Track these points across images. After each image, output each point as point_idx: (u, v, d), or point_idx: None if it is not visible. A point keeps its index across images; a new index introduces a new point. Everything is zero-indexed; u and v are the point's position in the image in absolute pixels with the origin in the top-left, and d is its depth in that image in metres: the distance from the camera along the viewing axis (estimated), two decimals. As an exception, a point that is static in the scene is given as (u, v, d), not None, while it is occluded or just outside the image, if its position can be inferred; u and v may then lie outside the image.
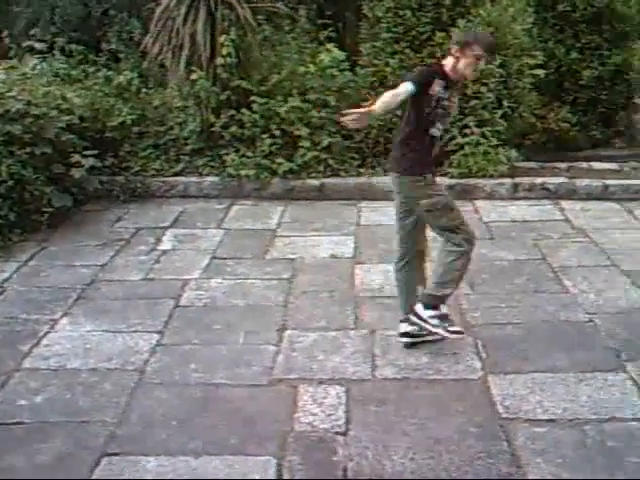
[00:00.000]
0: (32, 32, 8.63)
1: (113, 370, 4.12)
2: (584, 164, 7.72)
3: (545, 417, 3.59)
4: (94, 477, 3.24)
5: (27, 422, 3.65)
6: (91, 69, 8.24)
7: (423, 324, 4.17)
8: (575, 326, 4.54)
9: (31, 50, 7.94)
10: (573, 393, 3.78)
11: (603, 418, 3.57)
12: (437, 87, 4.01)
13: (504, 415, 3.63)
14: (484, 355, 4.19)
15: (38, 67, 7.67)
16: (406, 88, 3.89)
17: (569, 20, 8.51)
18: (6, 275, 5.43)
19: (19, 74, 7.28)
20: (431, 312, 4.14)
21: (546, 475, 3.20)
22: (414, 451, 3.38)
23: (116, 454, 3.40)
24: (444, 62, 4.14)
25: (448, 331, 4.16)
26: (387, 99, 3.90)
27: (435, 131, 4.12)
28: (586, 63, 8.50)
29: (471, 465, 3.28)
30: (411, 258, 4.35)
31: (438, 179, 4.41)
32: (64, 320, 4.73)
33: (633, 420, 3.57)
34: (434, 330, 4.16)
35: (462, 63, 4.06)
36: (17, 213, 6.12)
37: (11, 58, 7.94)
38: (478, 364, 4.11)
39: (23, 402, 3.81)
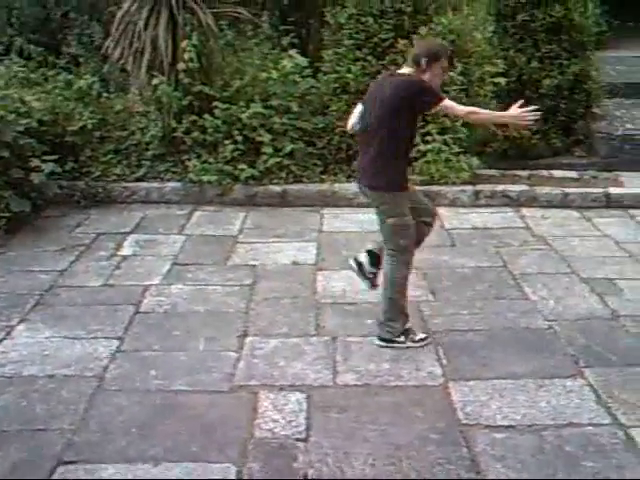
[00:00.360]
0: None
1: (71, 377, 4.06)
2: (544, 172, 7.81)
3: (505, 423, 3.61)
4: (50, 486, 3.20)
5: (-19, 431, 3.58)
6: (51, 72, 8.12)
7: (392, 344, 4.36)
8: (535, 333, 4.58)
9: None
10: (532, 399, 3.82)
11: (561, 424, 3.61)
12: None
13: (464, 421, 3.64)
14: (445, 361, 4.21)
15: (-6, 70, 7.56)
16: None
17: (529, 29, 8.60)
18: (-39, 281, 5.34)
19: (-25, 77, 7.17)
20: None
21: (505, 480, 3.22)
22: (374, 457, 3.38)
23: (73, 462, 3.35)
24: (404, 72, 4.29)
25: (416, 342, 4.35)
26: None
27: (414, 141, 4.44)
28: (546, 72, 8.59)
29: (431, 471, 3.29)
30: None
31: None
32: (21, 326, 4.65)
33: (590, 425, 3.61)
34: (404, 346, 4.33)
35: (430, 75, 4.18)
36: (-26, 218, 6.03)
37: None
38: (439, 370, 4.12)
39: (-23, 410, 3.75)
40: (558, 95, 8.61)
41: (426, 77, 4.18)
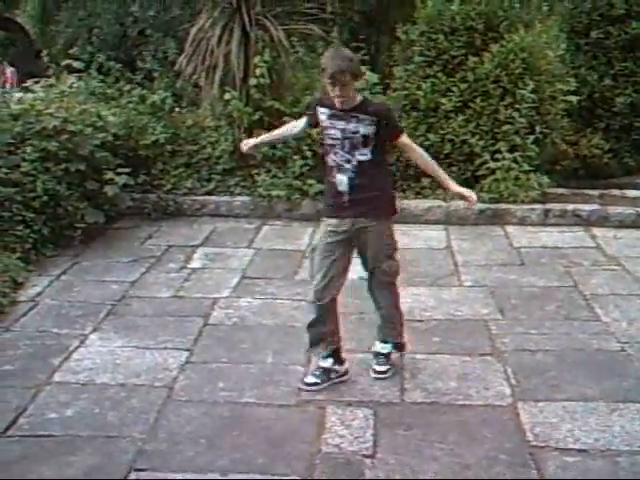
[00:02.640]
0: (70, 51, 8.77)
1: (142, 386, 4.14)
2: (617, 191, 7.66)
3: (576, 447, 3.53)
4: (122, 493, 3.26)
5: (57, 435, 3.67)
6: (126, 88, 8.36)
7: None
8: (607, 355, 4.48)
9: (69, 68, 8.06)
10: (605, 423, 3.73)
11: (636, 450, 3.51)
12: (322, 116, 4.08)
13: (534, 443, 3.58)
14: (514, 381, 4.15)
15: (75, 85, 7.78)
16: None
17: (602, 47, 8.50)
18: (39, 289, 5.49)
19: (57, 92, 7.39)
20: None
21: (577, 505, 3.16)
22: (442, 476, 3.34)
23: (144, 469, 3.40)
24: None
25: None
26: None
27: (330, 160, 4.09)
28: (619, 90, 8.47)
29: (500, 492, 3.24)
30: None
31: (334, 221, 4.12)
32: (94, 335, 4.77)
33: (666, 452, 3.51)
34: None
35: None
36: (51, 228, 6.21)
37: (50, 76, 8.06)
38: (507, 390, 4.07)
39: (53, 415, 3.84)
40: (632, 113, 8.48)
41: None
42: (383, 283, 4.30)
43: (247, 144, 4.56)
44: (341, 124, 3.99)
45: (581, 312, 5.09)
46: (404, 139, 4.11)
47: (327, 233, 4.11)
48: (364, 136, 3.97)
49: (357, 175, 4.01)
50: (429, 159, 4.20)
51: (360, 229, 4.06)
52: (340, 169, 4.03)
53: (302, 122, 4.35)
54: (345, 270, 4.16)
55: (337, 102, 3.96)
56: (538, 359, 4.43)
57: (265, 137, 4.67)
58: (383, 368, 4.26)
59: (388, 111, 4.23)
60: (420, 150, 4.22)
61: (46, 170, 6.30)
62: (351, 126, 3.97)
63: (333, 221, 4.09)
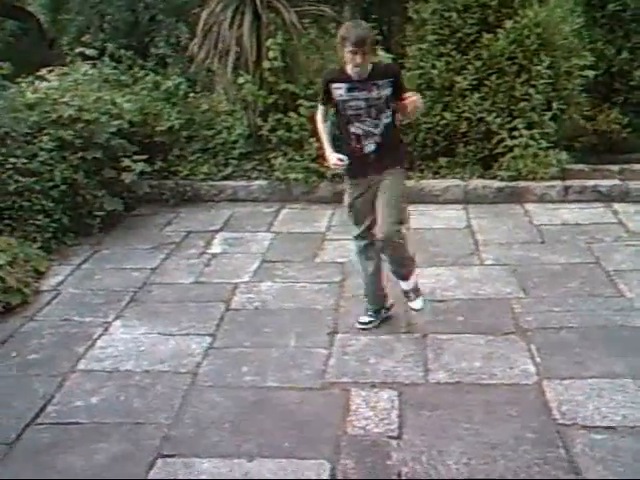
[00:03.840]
0: (83, 39, 8.76)
1: (166, 372, 4.15)
2: (637, 166, 7.56)
3: (604, 424, 3.52)
4: (150, 477, 3.27)
5: (83, 422, 3.70)
6: (140, 74, 8.33)
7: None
8: (632, 331, 4.45)
9: (82, 56, 8.04)
10: (632, 400, 3.70)
11: (664, 426, 3.50)
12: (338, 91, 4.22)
13: (560, 421, 3.57)
14: (538, 359, 4.14)
15: (89, 73, 7.77)
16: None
17: (619, 20, 8.38)
18: (60, 278, 5.52)
19: (71, 80, 7.38)
20: None
21: (606, 483, 3.15)
22: (469, 456, 3.34)
23: (171, 455, 3.43)
24: None
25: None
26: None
27: (354, 130, 4.29)
28: (637, 63, 8.35)
29: (528, 472, 3.23)
30: None
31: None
32: (117, 322, 4.79)
33: (695, 428, 3.49)
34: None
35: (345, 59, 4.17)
36: (70, 217, 6.23)
37: (64, 65, 8.06)
38: (532, 369, 4.05)
39: (79, 403, 3.87)
40: (651, 87, 8.37)
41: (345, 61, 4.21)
42: (390, 247, 4.44)
43: (340, 159, 4.31)
44: (363, 94, 4.20)
45: (604, 288, 5.06)
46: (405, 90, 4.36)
47: (355, 189, 4.43)
48: (386, 99, 4.22)
49: (383, 137, 4.28)
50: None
51: (381, 179, 4.35)
52: (368, 135, 4.27)
53: (323, 109, 4.43)
54: (373, 222, 4.43)
55: (355, 72, 4.15)
56: (562, 336, 4.40)
57: (326, 144, 4.43)
58: (419, 304, 4.59)
59: (398, 69, 4.56)
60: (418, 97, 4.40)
61: (63, 159, 6.31)
62: (374, 93, 4.20)
63: (358, 180, 4.40)
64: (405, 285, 4.59)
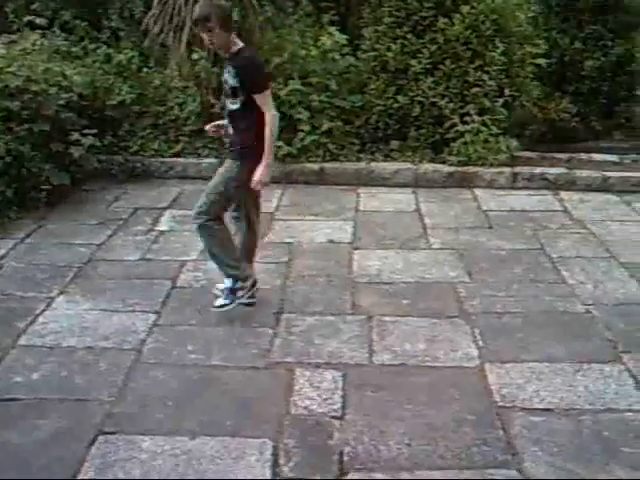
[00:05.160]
0: (32, 7, 8.55)
1: (110, 349, 4.11)
2: (584, 155, 7.70)
3: (541, 406, 3.59)
4: (89, 456, 3.24)
5: (23, 399, 3.65)
6: (91, 46, 8.18)
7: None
8: (572, 317, 4.54)
9: (31, 25, 7.86)
10: (570, 383, 3.79)
11: (599, 409, 3.58)
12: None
13: (500, 403, 3.63)
14: (481, 343, 4.20)
15: (38, 43, 7.59)
16: None
17: (573, 9, 8.49)
18: (3, 252, 5.41)
19: (19, 49, 7.21)
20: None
21: (541, 464, 3.20)
22: (410, 437, 3.38)
23: (112, 433, 3.39)
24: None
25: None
26: None
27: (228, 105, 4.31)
28: (589, 53, 8.48)
29: (467, 452, 3.28)
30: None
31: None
32: (61, 298, 4.72)
33: (629, 411, 3.57)
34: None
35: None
36: (15, 190, 6.10)
37: (11, 33, 7.86)
38: (475, 352, 4.11)
39: (19, 379, 3.81)
40: (600, 77, 8.52)
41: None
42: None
43: (212, 126, 4.62)
44: (224, 73, 4.25)
45: (548, 275, 5.14)
46: (261, 98, 4.16)
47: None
48: (232, 87, 4.18)
49: (231, 122, 4.32)
50: (270, 129, 4.19)
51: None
52: (225, 115, 4.39)
53: None
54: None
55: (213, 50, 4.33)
56: (505, 321, 4.47)
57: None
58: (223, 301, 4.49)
59: (250, 65, 4.24)
60: (269, 118, 4.18)
61: (9, 130, 6.17)
62: (225, 76, 4.21)
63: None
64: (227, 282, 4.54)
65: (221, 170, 4.43)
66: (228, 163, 4.40)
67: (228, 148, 4.49)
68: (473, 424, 3.47)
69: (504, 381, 3.81)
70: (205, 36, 4.11)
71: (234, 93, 4.18)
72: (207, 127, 4.65)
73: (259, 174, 4.22)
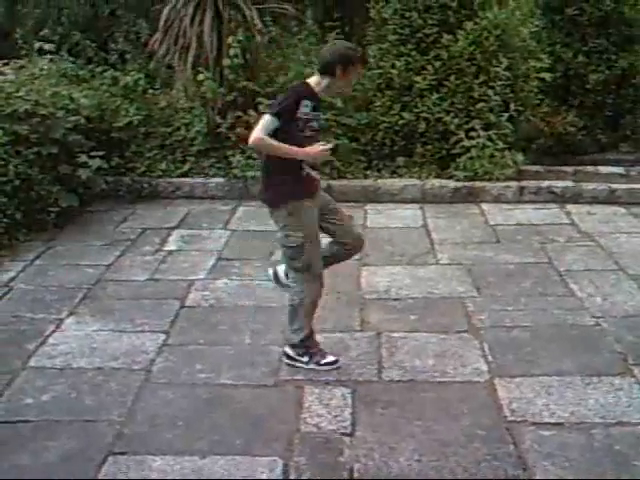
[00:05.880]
0: (41, 33, 8.65)
1: (119, 369, 4.12)
2: (590, 168, 7.71)
3: (552, 420, 3.58)
4: (100, 476, 3.24)
5: (33, 420, 3.65)
6: (98, 69, 8.26)
7: (294, 363, 4.13)
8: (582, 330, 4.53)
9: (40, 50, 7.94)
10: (580, 397, 3.77)
11: (610, 422, 3.56)
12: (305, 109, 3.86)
13: (510, 418, 3.61)
14: (490, 358, 4.18)
15: (46, 67, 7.67)
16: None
17: (577, 24, 8.52)
18: (12, 274, 5.44)
19: (28, 74, 7.29)
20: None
21: (553, 478, 3.18)
22: (420, 453, 3.37)
23: (122, 453, 3.39)
24: (311, 81, 3.96)
25: (321, 365, 4.09)
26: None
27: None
28: (593, 67, 8.51)
29: (477, 467, 3.26)
30: None
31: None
32: (70, 319, 4.73)
33: (640, 424, 3.56)
34: (307, 367, 4.09)
35: (344, 81, 3.94)
36: (24, 213, 6.14)
37: (20, 58, 7.95)
38: (484, 367, 4.10)
39: (29, 400, 3.81)
40: (605, 90, 8.55)
41: (340, 83, 3.93)
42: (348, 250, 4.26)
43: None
44: (319, 114, 3.98)
45: (556, 288, 5.13)
46: None
47: (311, 211, 3.98)
48: None
49: None
50: None
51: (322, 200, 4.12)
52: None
53: (275, 124, 3.80)
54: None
55: (345, 91, 4.18)
56: (514, 335, 4.46)
57: (294, 148, 3.92)
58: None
59: None
60: None
61: (17, 154, 6.22)
62: (320, 114, 4.02)
63: (312, 199, 4.00)
64: (290, 350, 4.18)
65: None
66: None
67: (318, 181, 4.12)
68: (483, 439, 3.46)
69: (514, 395, 3.80)
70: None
71: None
72: (324, 149, 4.01)
73: None
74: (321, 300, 4.87)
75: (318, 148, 3.92)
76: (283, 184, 3.96)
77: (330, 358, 4.12)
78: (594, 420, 3.57)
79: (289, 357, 4.15)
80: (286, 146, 3.82)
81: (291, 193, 3.94)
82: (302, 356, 4.11)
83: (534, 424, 3.56)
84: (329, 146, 4.01)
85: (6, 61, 7.55)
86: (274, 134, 3.80)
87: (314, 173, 4.02)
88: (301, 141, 3.87)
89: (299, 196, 3.94)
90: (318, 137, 4.00)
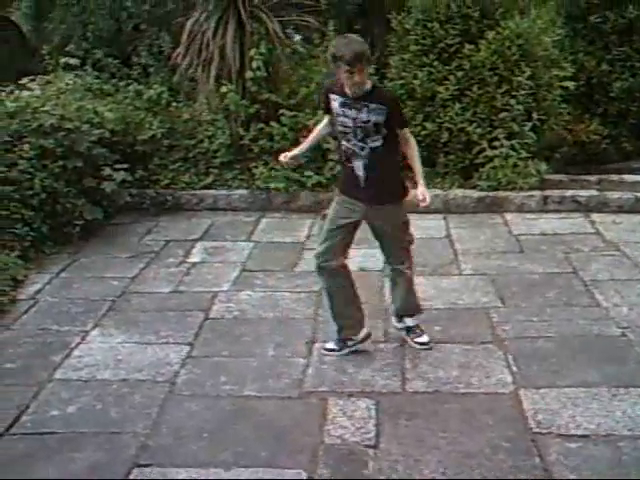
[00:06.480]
0: (67, 48, 8.75)
1: (144, 381, 4.14)
2: (615, 176, 7.63)
3: (578, 432, 3.55)
4: (125, 488, 3.27)
5: (59, 432, 3.68)
6: (122, 83, 8.34)
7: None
8: (608, 340, 4.49)
9: (66, 66, 8.03)
10: (607, 408, 3.74)
11: (638, 434, 3.52)
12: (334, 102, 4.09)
13: (536, 430, 3.59)
14: (515, 369, 4.16)
15: (71, 82, 7.75)
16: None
17: (600, 31, 8.46)
18: (38, 287, 5.49)
19: (53, 89, 7.37)
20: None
21: (580, 491, 3.17)
22: (445, 465, 3.36)
23: (147, 465, 3.41)
24: None
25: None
26: None
27: (344, 146, 4.15)
28: (616, 75, 8.43)
29: (503, 480, 3.25)
30: None
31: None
32: (95, 331, 4.77)
33: (669, 436, 3.51)
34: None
35: (342, 77, 3.98)
36: (49, 226, 6.20)
37: (46, 74, 8.05)
38: (509, 378, 4.07)
39: (55, 412, 3.85)
40: (629, 98, 8.46)
41: (343, 78, 3.98)
42: (399, 273, 4.42)
43: (286, 156, 4.47)
44: (352, 113, 4.03)
45: (581, 298, 5.09)
46: (406, 131, 4.18)
47: (341, 206, 4.26)
48: (376, 125, 4.02)
49: (370, 162, 4.10)
50: (418, 155, 4.27)
51: (375, 212, 4.20)
52: (355, 155, 4.11)
53: (325, 117, 4.35)
54: (346, 246, 4.32)
55: (350, 90, 3.99)
56: (539, 346, 4.43)
57: (302, 146, 4.57)
58: (425, 339, 4.44)
59: (396, 100, 4.36)
60: (414, 145, 4.25)
61: (43, 167, 6.28)
62: (363, 115, 4.01)
63: (348, 199, 4.24)
64: (410, 321, 4.48)
65: (391, 221, 4.27)
66: (392, 209, 4.24)
67: (370, 193, 4.17)
68: (508, 451, 3.44)
69: (539, 407, 3.77)
70: (354, 76, 3.90)
71: (377, 130, 4.02)
72: (282, 158, 4.47)
73: (427, 195, 4.23)
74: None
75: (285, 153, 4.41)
76: (401, 180, 4.30)
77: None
78: (622, 432, 3.54)
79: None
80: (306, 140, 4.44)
81: (404, 188, 4.29)
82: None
83: (560, 436, 3.53)
84: (283, 157, 4.44)
85: (33, 77, 7.63)
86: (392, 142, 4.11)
87: None
88: (338, 135, 4.15)
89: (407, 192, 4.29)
90: (351, 135, 4.06)
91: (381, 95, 4.08)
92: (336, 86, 4.10)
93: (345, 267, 4.33)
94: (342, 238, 4.26)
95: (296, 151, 4.53)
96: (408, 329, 4.49)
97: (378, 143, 4.06)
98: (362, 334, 4.41)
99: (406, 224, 4.35)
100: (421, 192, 4.19)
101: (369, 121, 4.01)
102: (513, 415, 3.73)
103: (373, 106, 3.99)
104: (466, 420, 3.70)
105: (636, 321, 4.71)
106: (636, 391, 3.89)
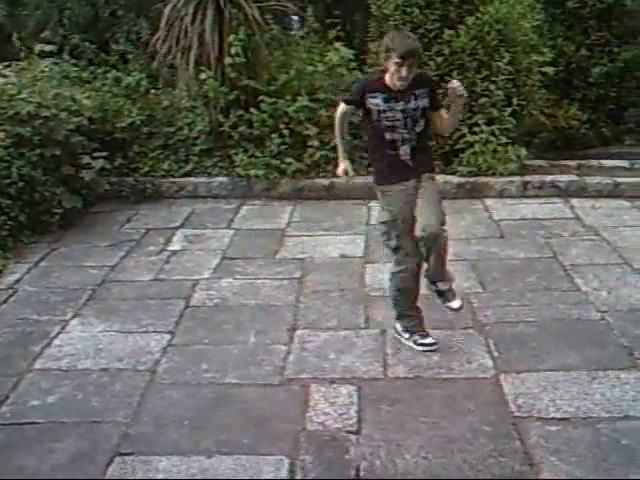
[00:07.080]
0: (43, 34, 8.66)
1: (124, 370, 4.12)
2: (594, 162, 7.68)
3: (558, 415, 3.57)
4: (107, 477, 3.24)
5: (39, 422, 3.66)
6: (100, 70, 8.26)
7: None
8: (587, 324, 4.52)
9: (41, 52, 7.94)
10: (586, 391, 3.76)
11: (617, 416, 3.55)
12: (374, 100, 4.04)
13: (516, 414, 3.61)
14: (496, 354, 4.18)
15: (48, 69, 7.67)
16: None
17: (578, 17, 8.49)
18: (17, 276, 5.44)
19: (29, 76, 7.29)
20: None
21: (560, 474, 3.18)
22: (427, 450, 3.37)
23: (129, 454, 3.40)
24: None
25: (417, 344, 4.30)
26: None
27: (389, 137, 4.11)
28: (595, 60, 8.48)
29: (484, 463, 3.26)
30: None
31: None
32: (75, 321, 4.74)
33: (647, 418, 3.55)
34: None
35: (389, 72, 3.99)
36: (27, 214, 6.14)
37: (21, 60, 7.95)
38: (490, 363, 4.09)
39: (35, 402, 3.82)
40: (608, 83, 8.51)
41: (389, 74, 3.98)
42: (438, 236, 4.27)
43: (347, 171, 4.37)
44: (400, 105, 4.03)
45: (561, 283, 5.12)
46: (441, 111, 4.20)
47: (396, 195, 4.16)
48: (423, 109, 4.08)
49: (417, 143, 4.13)
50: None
51: (421, 181, 4.18)
52: (404, 142, 4.10)
53: (346, 108, 4.20)
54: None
55: (397, 83, 3.97)
56: (519, 330, 4.45)
57: (342, 148, 4.40)
58: (456, 304, 4.32)
59: (432, 78, 4.48)
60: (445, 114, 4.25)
61: (21, 156, 6.22)
62: (412, 104, 4.04)
63: (397, 186, 4.16)
64: (443, 285, 4.36)
65: (429, 188, 4.20)
66: (429, 181, 4.22)
67: (417, 169, 4.17)
68: (490, 435, 3.45)
69: (520, 391, 3.79)
70: (403, 70, 3.89)
71: (423, 114, 4.08)
72: (344, 174, 4.38)
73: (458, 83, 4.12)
74: (325, 298, 4.90)
75: (341, 164, 4.39)
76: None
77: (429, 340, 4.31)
78: (600, 415, 3.57)
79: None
80: (339, 140, 4.34)
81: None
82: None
83: (540, 419, 3.55)
84: (343, 172, 4.39)
85: (7, 63, 7.54)
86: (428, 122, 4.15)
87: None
88: (380, 129, 4.08)
89: None
90: (401, 128, 4.05)
91: (421, 78, 4.10)
92: (375, 84, 4.07)
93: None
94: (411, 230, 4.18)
95: (346, 159, 4.39)
96: (440, 293, 4.37)
97: (423, 126, 4.13)
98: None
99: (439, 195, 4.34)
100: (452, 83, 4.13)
101: (417, 107, 4.05)
102: (494, 399, 3.75)
103: (418, 92, 4.04)
104: (447, 405, 3.71)
105: (615, 305, 4.74)
106: (614, 374, 3.92)
